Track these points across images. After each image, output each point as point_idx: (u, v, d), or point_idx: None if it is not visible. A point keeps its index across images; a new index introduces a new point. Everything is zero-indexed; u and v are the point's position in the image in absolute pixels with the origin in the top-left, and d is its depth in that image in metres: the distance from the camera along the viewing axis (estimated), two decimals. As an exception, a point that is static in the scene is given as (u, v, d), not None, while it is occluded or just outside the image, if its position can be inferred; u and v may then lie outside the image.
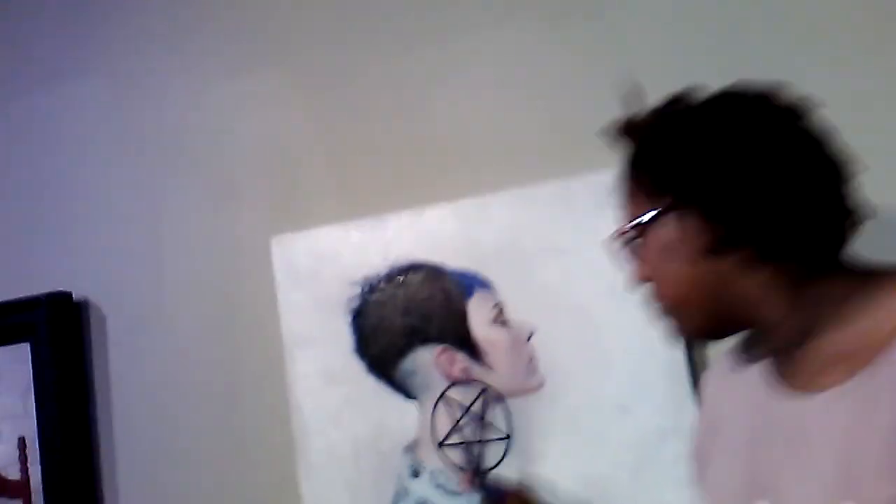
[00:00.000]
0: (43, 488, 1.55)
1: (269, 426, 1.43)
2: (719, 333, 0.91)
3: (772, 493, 0.80)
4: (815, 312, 0.80)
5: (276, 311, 1.42)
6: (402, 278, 1.36)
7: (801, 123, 0.82)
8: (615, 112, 0.89)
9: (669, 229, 0.84)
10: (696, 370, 1.24)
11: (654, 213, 0.85)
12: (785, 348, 0.83)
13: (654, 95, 0.88)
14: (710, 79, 0.87)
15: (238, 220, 1.50)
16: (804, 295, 0.81)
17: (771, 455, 0.82)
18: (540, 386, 1.29)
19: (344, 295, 1.39)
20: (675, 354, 1.23)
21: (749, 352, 0.92)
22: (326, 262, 1.41)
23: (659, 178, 0.85)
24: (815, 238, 0.81)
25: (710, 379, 1.01)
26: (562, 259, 1.30)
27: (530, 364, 1.30)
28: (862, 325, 0.77)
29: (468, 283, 1.34)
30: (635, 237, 0.87)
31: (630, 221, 0.87)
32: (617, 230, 0.89)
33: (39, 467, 1.56)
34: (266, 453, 1.43)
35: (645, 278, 0.89)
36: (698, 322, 0.87)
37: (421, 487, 1.31)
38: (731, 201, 0.80)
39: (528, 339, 1.30)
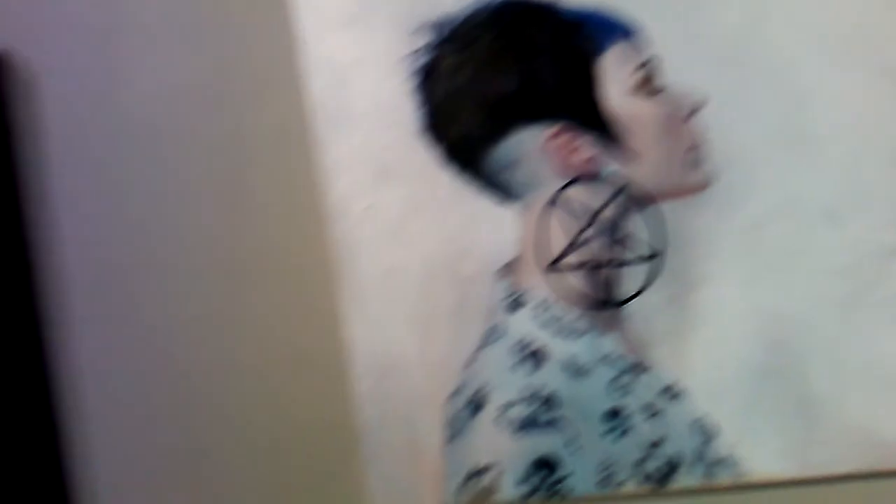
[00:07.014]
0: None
1: (295, 240, 1.00)
2: None
3: None
4: None
5: (298, 74, 0.95)
6: (492, 22, 0.90)
7: None
8: None
9: None
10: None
11: None
12: None
13: None
14: None
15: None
16: None
17: None
18: (706, 184, 0.88)
19: (402, 48, 0.93)
20: (918, 139, 0.84)
21: None
22: (374, 1, 0.93)
23: None
24: None
25: None
26: (752, -8, 0.86)
27: (691, 153, 0.88)
28: None
29: (599, 31, 0.88)
30: None
31: None
32: None
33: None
34: (293, 278, 1.01)
35: None
36: None
37: (523, 324, 0.92)
38: None
39: (691, 116, 0.88)
